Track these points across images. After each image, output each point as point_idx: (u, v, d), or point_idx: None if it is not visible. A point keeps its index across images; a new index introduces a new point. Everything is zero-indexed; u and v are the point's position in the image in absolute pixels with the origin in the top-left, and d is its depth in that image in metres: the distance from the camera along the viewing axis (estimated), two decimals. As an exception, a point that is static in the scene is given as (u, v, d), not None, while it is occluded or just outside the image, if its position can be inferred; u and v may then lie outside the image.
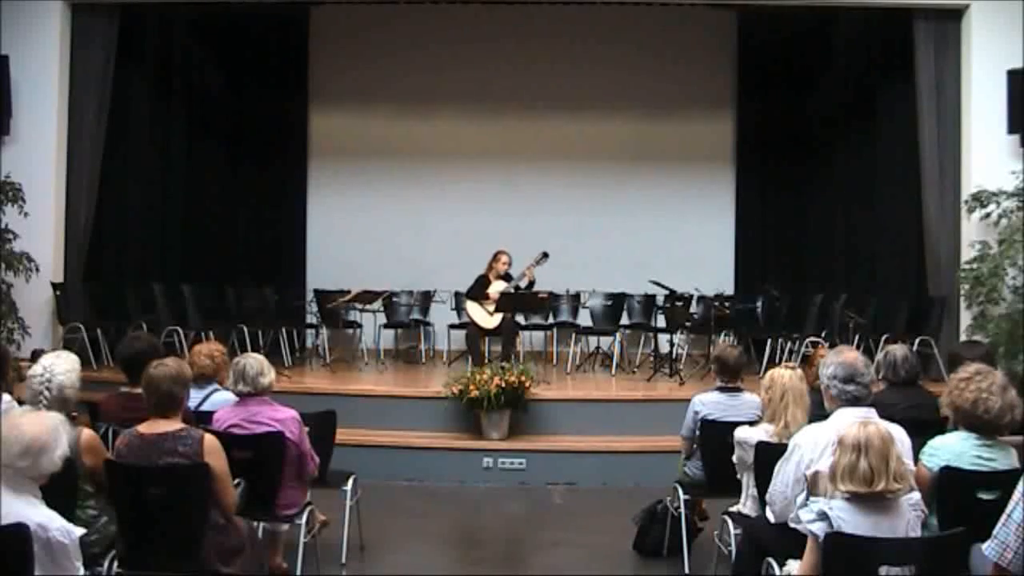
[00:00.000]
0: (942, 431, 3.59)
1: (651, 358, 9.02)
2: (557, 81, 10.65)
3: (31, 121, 7.96)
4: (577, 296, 9.91)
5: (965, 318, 7.81)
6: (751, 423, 4.23)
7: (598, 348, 9.43)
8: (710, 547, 4.55)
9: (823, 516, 2.90)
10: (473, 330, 8.42)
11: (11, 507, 2.68)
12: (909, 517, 2.95)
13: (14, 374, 4.04)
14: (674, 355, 8.25)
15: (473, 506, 6.21)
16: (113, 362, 7.46)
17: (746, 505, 4.09)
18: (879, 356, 4.59)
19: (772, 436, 3.91)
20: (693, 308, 9.12)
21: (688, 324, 8.90)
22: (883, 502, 2.89)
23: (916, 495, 3.03)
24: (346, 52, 10.79)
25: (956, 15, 8.06)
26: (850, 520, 2.87)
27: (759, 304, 9.40)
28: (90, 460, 3.46)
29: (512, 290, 8.40)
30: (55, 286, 8.03)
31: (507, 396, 6.61)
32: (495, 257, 8.69)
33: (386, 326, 9.80)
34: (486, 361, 7.89)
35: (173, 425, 3.49)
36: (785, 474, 3.42)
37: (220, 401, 4.39)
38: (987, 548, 2.76)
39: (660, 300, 9.03)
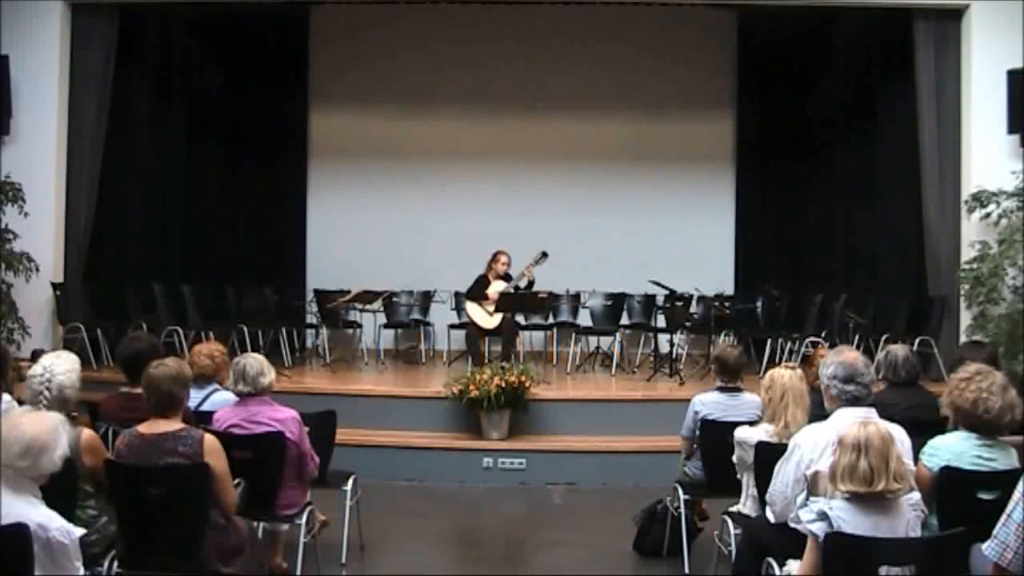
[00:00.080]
0: (942, 431, 3.59)
1: (651, 358, 9.02)
2: (557, 81, 10.65)
3: (31, 121, 7.96)
4: (577, 296, 9.91)
5: (965, 318, 7.82)
6: (751, 423, 4.23)
7: (598, 348, 9.43)
8: (710, 547, 4.55)
9: (823, 516, 2.90)
10: (473, 330, 8.42)
11: (11, 507, 2.68)
12: (909, 517, 2.95)
13: (14, 374, 4.04)
14: (674, 355, 8.25)
15: (473, 506, 6.21)
16: (113, 362, 7.46)
17: (746, 505, 4.09)
18: (879, 356, 4.59)
19: (772, 436, 3.91)
20: (693, 308, 9.12)
21: (688, 324, 8.90)
22: (883, 502, 2.89)
23: (916, 495, 3.03)
24: (346, 52, 10.79)
25: (956, 15, 8.06)
26: (850, 520, 2.87)
27: (759, 304, 9.40)
28: (90, 460, 3.46)
29: (511, 290, 8.40)
30: (55, 286, 8.03)
31: (507, 396, 6.61)
32: (494, 257, 8.69)
33: (386, 326, 9.80)
34: (486, 361, 7.89)
35: (173, 425, 3.49)
36: (785, 474, 3.42)
37: (220, 401, 4.39)
38: (987, 548, 2.76)
39: (660, 300, 9.03)
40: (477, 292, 8.55)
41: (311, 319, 9.75)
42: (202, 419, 4.15)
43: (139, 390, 3.70)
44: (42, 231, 7.89)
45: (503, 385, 6.58)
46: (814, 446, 3.33)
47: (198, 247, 10.03)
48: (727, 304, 8.94)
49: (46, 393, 3.50)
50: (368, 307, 9.11)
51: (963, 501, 3.25)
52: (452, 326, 9.59)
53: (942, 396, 3.64)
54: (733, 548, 3.97)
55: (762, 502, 3.70)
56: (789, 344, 8.52)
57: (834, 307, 8.33)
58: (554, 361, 9.61)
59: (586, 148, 10.92)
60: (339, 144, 11.01)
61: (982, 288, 7.49)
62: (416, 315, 10.00)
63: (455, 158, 10.89)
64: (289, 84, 10.81)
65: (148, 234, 9.28)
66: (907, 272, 8.79)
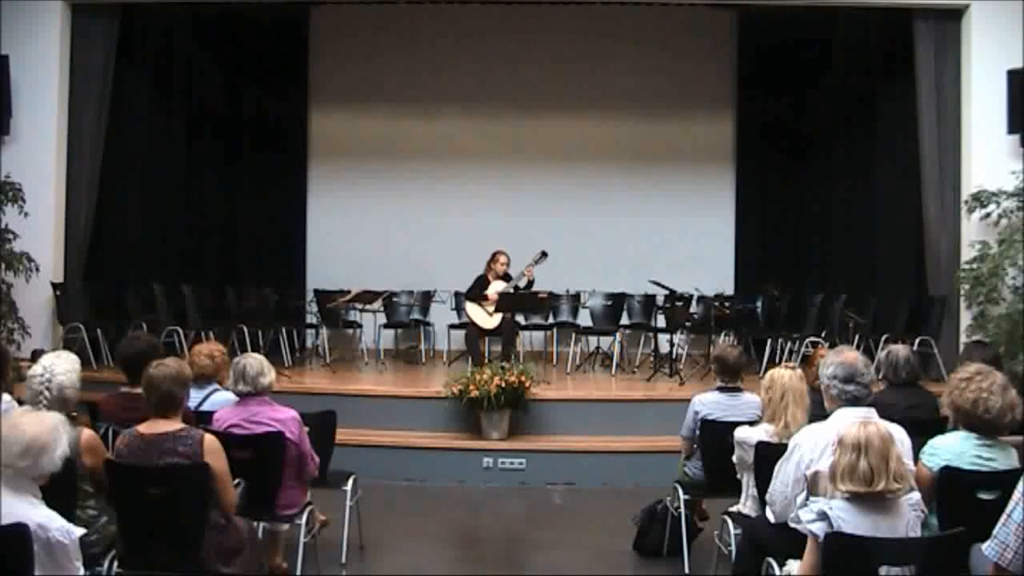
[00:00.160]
0: (942, 431, 3.59)
1: (651, 358, 9.02)
2: (557, 81, 10.65)
3: (31, 121, 7.96)
4: (577, 296, 9.90)
5: (965, 318, 7.81)
6: (751, 423, 4.23)
7: (598, 348, 9.43)
8: (710, 547, 4.55)
9: (823, 516, 2.90)
10: (472, 330, 8.42)
11: (11, 507, 2.68)
12: (909, 517, 2.95)
13: (14, 374, 4.04)
14: (674, 355, 8.25)
15: (473, 506, 6.21)
16: (113, 362, 7.47)
17: (746, 505, 4.09)
18: (880, 355, 4.60)
19: (772, 436, 3.91)
20: (693, 308, 9.11)
21: (688, 324, 8.90)
22: (883, 502, 2.89)
23: (916, 495, 3.03)
24: (346, 52, 10.79)
25: (956, 15, 8.06)
26: (850, 520, 2.87)
27: (759, 304, 9.40)
28: (90, 460, 3.46)
29: (511, 290, 8.40)
30: (55, 286, 8.03)
31: (507, 396, 6.61)
32: (493, 257, 8.69)
33: (386, 326, 9.80)
34: (486, 361, 7.89)
35: (173, 425, 3.49)
36: (785, 474, 3.42)
37: (220, 401, 4.39)
38: (987, 548, 2.76)
39: (660, 300, 9.03)
40: (477, 292, 8.55)
41: (311, 319, 9.76)
42: (202, 419, 4.15)
43: (139, 390, 3.71)
44: (42, 231, 7.89)
45: (503, 385, 6.58)
46: (814, 446, 3.33)
47: (198, 247, 10.04)
48: (727, 304, 8.94)
49: (46, 393, 3.50)
50: (368, 307, 9.11)
51: (963, 501, 3.25)
52: (452, 326, 9.59)
53: (942, 396, 3.63)
54: (733, 548, 3.97)
55: (762, 502, 3.70)
56: (789, 344, 8.53)
57: (834, 307, 8.34)
58: (554, 361, 9.61)
59: (586, 148, 10.92)
60: (339, 144, 11.01)
61: (982, 288, 7.49)
62: (416, 315, 10.00)
63: (455, 158, 10.89)
64: (289, 84, 10.81)
65: (148, 234, 9.27)
66: (907, 272, 8.78)
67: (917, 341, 7.67)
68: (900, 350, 4.51)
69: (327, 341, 9.24)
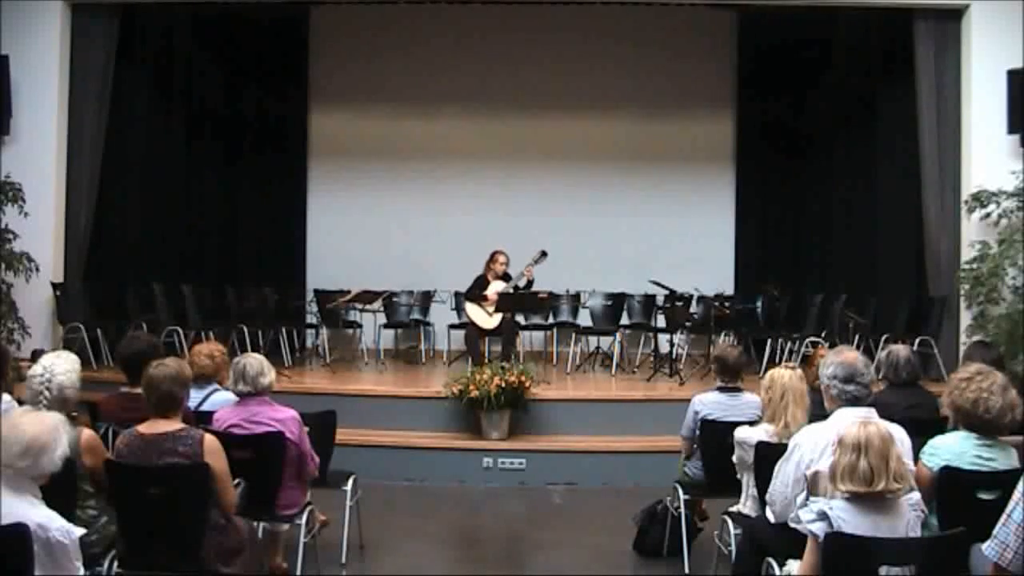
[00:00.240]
0: (942, 431, 3.59)
1: (651, 358, 9.02)
2: (557, 81, 10.64)
3: (31, 121, 7.96)
4: (577, 296, 9.90)
5: (965, 318, 7.82)
6: (751, 423, 4.23)
7: (598, 348, 9.43)
8: (710, 547, 4.55)
9: (823, 516, 2.90)
10: (472, 330, 8.42)
11: (11, 507, 2.68)
12: (909, 517, 2.95)
13: (14, 374, 4.04)
14: (674, 355, 8.25)
15: (473, 506, 6.21)
16: (113, 362, 7.47)
17: (746, 505, 4.09)
18: (880, 355, 4.60)
19: (772, 436, 3.91)
20: (693, 308, 9.11)
21: (688, 324, 8.90)
22: (883, 502, 2.89)
23: (916, 495, 3.03)
24: (346, 52, 10.79)
25: (956, 15, 8.06)
26: (850, 520, 2.87)
27: (759, 304, 9.40)
28: (90, 460, 3.46)
29: (511, 290, 8.40)
30: (55, 286, 8.03)
31: (507, 396, 6.61)
32: (492, 257, 8.68)
33: (386, 326, 9.80)
34: (486, 361, 7.89)
35: (173, 425, 3.49)
36: (785, 474, 3.42)
37: (220, 401, 4.39)
38: (987, 548, 2.75)
39: (660, 300, 9.02)
40: (476, 293, 8.55)
41: (311, 319, 9.76)
42: (202, 419, 4.15)
43: (139, 390, 3.71)
44: (42, 231, 7.89)
45: (503, 385, 6.58)
46: (814, 446, 3.33)
47: (198, 247, 10.04)
48: (727, 304, 8.94)
49: (46, 393, 3.50)
50: (368, 307, 9.10)
51: (963, 501, 3.25)
52: (452, 326, 9.59)
53: (942, 396, 3.63)
54: (733, 548, 3.97)
55: (762, 502, 3.70)
56: (789, 344, 8.53)
57: (834, 307, 8.34)
58: (554, 361, 9.61)
59: (586, 148, 10.92)
60: (339, 144, 11.00)
61: (982, 288, 7.49)
62: (416, 315, 10.00)
63: (455, 158, 10.89)
64: (289, 84, 10.81)
65: (148, 234, 9.27)
66: (907, 272, 8.78)
67: (917, 341, 7.67)
68: (900, 350, 4.51)
69: (327, 341, 9.24)
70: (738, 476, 4.17)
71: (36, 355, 4.72)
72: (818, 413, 3.70)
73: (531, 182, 10.82)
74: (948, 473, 3.29)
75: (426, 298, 10.08)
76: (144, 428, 3.49)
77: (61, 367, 3.57)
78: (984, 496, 3.22)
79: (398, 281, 9.97)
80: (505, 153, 10.91)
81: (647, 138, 10.92)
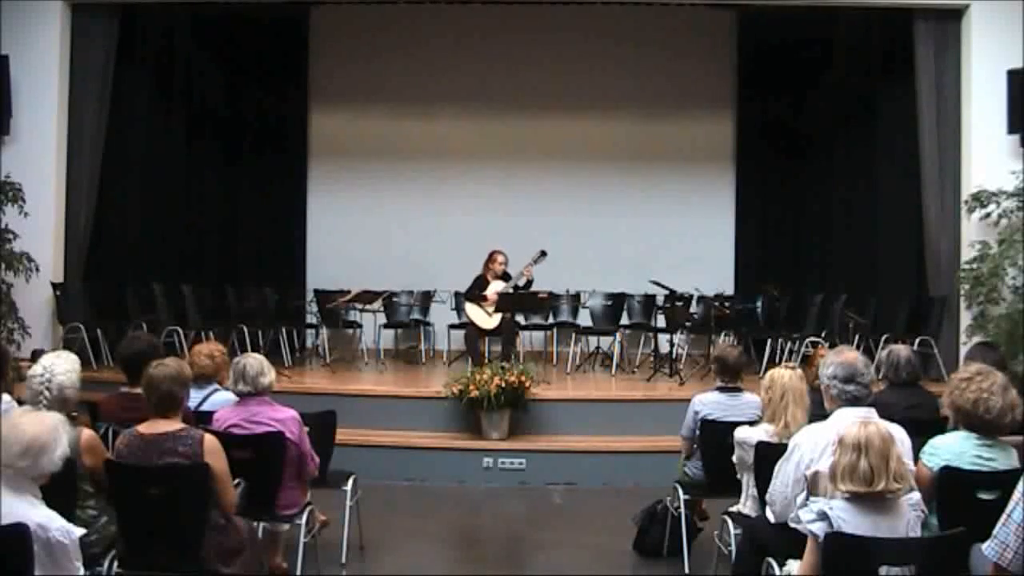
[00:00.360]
0: (942, 431, 3.59)
1: (651, 358, 9.02)
2: (557, 81, 10.64)
3: (31, 121, 7.96)
4: (577, 296, 9.91)
5: (965, 318, 7.81)
6: (751, 423, 4.23)
7: (598, 348, 9.43)
8: (710, 547, 4.55)
9: (823, 516, 2.90)
10: (472, 330, 8.42)
11: (11, 507, 2.68)
12: (909, 517, 2.95)
13: (14, 374, 4.04)
14: (674, 355, 8.25)
15: (473, 506, 6.21)
16: (113, 362, 7.47)
17: (746, 505, 4.09)
18: (881, 355, 4.60)
19: (772, 436, 3.91)
20: (693, 308, 9.12)
21: (688, 324, 8.90)
22: (883, 502, 2.89)
23: (916, 495, 3.03)
24: (346, 52, 10.79)
25: (956, 15, 8.06)
26: (850, 520, 2.87)
27: (759, 304, 9.40)
28: (90, 460, 3.46)
29: (510, 290, 8.40)
30: (55, 286, 8.03)
31: (507, 396, 6.61)
32: (491, 257, 8.67)
33: (386, 326, 9.80)
34: (486, 361, 7.88)
35: (173, 425, 3.49)
36: (785, 474, 3.42)
37: (220, 401, 4.39)
38: (987, 548, 2.75)
39: (660, 300, 9.02)
40: (475, 293, 8.55)
41: (311, 319, 9.75)
42: (202, 419, 4.15)
43: (139, 390, 3.71)
44: (42, 231, 7.89)
45: (503, 385, 6.58)
46: (814, 446, 3.33)
47: (198, 247, 10.04)
48: (727, 304, 8.95)
49: (46, 393, 3.51)
50: (368, 307, 9.10)
51: (963, 501, 3.25)
52: (452, 326, 9.59)
53: (942, 396, 3.63)
54: (733, 548, 3.97)
55: (762, 502, 3.70)
56: (789, 344, 8.52)
57: (834, 307, 8.34)
58: (554, 361, 9.61)
59: (586, 148, 10.92)
60: (339, 144, 11.01)
61: (982, 288, 7.49)
62: (416, 315, 10.00)
63: (455, 158, 10.89)
64: (289, 84, 10.81)
65: (148, 234, 9.27)
66: (907, 272, 8.78)
67: (917, 341, 7.67)
68: (901, 350, 4.51)
69: (327, 341, 9.24)
70: (738, 476, 4.17)
71: (36, 355, 4.72)
72: (818, 413, 3.70)
73: (531, 182, 10.82)
74: (948, 473, 3.29)
75: (426, 298, 10.08)
76: (144, 428, 3.49)
77: (61, 367, 3.57)
78: (984, 496, 3.22)
79: (398, 281, 9.96)
80: (505, 153, 10.91)
81: (647, 138, 10.92)
